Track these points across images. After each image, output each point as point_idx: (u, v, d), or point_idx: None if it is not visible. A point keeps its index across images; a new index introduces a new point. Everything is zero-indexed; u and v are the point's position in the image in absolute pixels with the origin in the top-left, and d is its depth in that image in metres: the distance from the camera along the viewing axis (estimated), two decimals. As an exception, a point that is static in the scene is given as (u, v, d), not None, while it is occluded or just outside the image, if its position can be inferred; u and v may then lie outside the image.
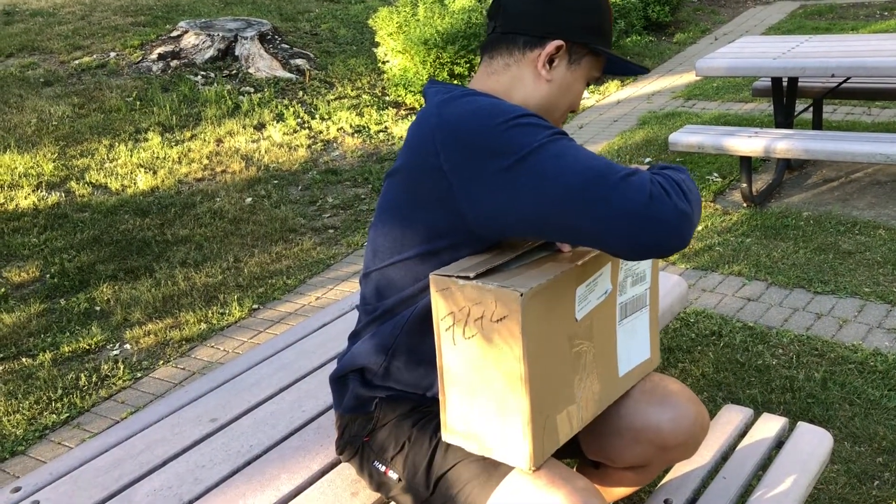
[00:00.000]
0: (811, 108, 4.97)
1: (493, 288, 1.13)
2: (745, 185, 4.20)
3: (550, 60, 1.36)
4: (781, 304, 3.31)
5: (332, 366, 1.95)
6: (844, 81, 4.36)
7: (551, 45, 1.34)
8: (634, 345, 1.39)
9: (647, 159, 5.14)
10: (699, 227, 4.09)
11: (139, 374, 3.35)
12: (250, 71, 7.37)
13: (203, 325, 3.69)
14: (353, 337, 1.48)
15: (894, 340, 2.97)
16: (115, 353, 3.55)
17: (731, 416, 1.92)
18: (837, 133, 3.99)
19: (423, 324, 1.33)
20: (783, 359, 2.92)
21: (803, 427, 1.85)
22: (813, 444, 1.80)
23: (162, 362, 3.44)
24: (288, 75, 7.37)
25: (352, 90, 7.21)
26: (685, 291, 2.29)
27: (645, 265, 1.37)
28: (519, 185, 1.17)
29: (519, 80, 1.37)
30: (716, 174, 4.76)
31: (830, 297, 3.31)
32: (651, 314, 1.43)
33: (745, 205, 4.29)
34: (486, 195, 1.20)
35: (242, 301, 3.88)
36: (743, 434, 1.89)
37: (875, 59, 3.83)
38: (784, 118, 4.49)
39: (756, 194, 4.28)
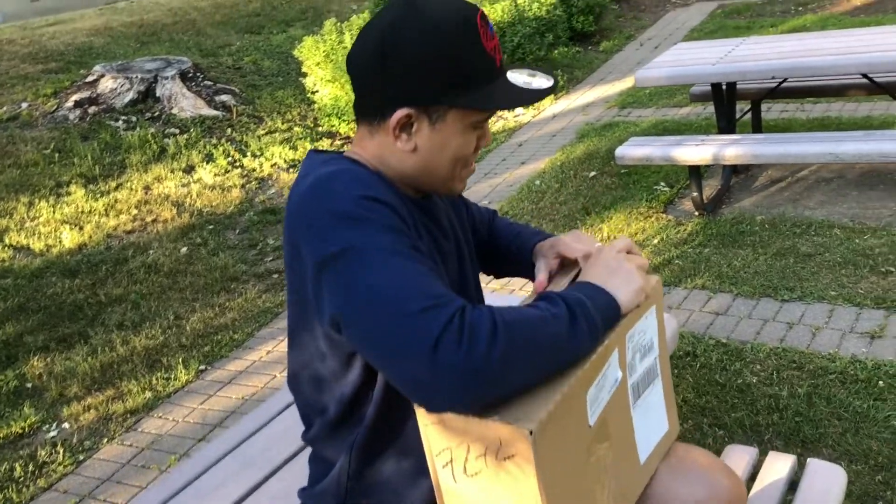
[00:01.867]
0: (750, 106, 4.97)
1: (495, 424, 0.97)
2: (696, 193, 4.14)
3: (404, 129, 1.18)
4: (751, 316, 3.23)
5: (308, 453, 1.75)
6: (783, 82, 4.35)
7: (395, 118, 1.16)
8: (652, 422, 1.24)
9: (592, 173, 5.06)
10: (655, 241, 4.01)
11: (82, 457, 3.08)
12: (174, 111, 7.08)
13: (148, 394, 3.43)
14: (307, 441, 1.32)
15: (869, 344, 2.91)
16: (52, 434, 3.26)
17: (737, 459, 1.79)
18: (783, 135, 3.97)
19: (378, 442, 1.21)
20: (763, 375, 2.83)
21: (815, 465, 1.73)
22: (828, 482, 1.69)
23: (106, 440, 3.17)
24: (214, 113, 7.11)
25: (282, 123, 6.99)
26: (676, 329, 2.17)
27: (651, 331, 1.22)
28: (328, 284, 1.07)
29: (386, 147, 1.21)
30: (663, 184, 4.71)
31: (798, 304, 3.25)
32: (664, 381, 1.28)
33: (697, 213, 4.23)
34: (313, 287, 1.11)
35: (188, 363, 3.63)
36: (752, 477, 1.77)
37: (812, 58, 3.82)
38: (726, 123, 4.46)
39: (707, 202, 4.22)
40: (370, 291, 1.01)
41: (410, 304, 0.99)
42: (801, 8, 9.09)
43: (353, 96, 6.46)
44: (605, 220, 4.36)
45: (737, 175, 4.66)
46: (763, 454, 2.15)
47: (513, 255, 1.49)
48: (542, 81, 1.21)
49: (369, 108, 1.20)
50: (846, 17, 8.29)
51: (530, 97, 1.17)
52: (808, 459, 1.75)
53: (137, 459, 3.02)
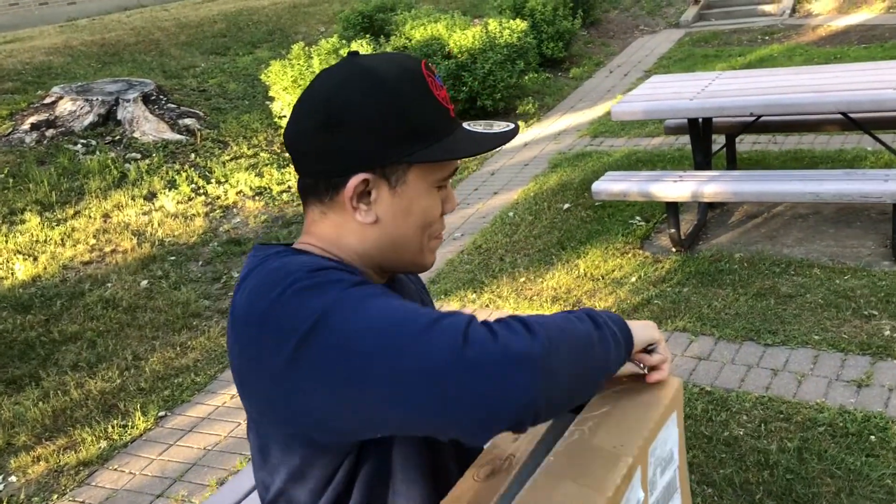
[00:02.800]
0: (725, 140, 4.92)
1: None
2: (673, 230, 4.06)
3: (362, 198, 1.06)
4: (734, 362, 3.14)
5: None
6: (759, 118, 4.31)
7: (350, 186, 1.04)
8: None
9: (566, 205, 4.98)
10: (633, 279, 3.92)
11: (29, 515, 2.88)
12: (135, 135, 6.87)
13: (103, 443, 3.23)
14: None
15: (856, 394, 2.84)
16: (-2, 489, 3.05)
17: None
18: (762, 173, 3.91)
19: None
20: (750, 427, 2.73)
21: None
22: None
23: (56, 496, 2.97)
24: (177, 137, 6.91)
25: (248, 148, 6.81)
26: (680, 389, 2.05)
27: (672, 441, 1.09)
28: (310, 373, 0.91)
29: (342, 227, 1.08)
30: (638, 217, 4.63)
31: (782, 350, 3.17)
32: (683, 497, 1.16)
33: (674, 250, 4.15)
34: (288, 395, 0.94)
35: (146, 408, 3.44)
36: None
37: (791, 95, 3.77)
38: (703, 157, 4.40)
39: (684, 237, 4.15)
40: (362, 339, 0.88)
41: (413, 323, 0.88)
42: (767, 37, 9.17)
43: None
44: (582, 255, 4.26)
45: (712, 210, 4.61)
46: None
47: None
48: (502, 128, 1.11)
49: (319, 185, 1.06)
50: (812, 47, 8.37)
51: (493, 142, 1.07)
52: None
53: (90, 518, 2.83)
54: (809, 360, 3.07)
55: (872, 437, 2.58)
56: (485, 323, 0.90)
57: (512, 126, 1.11)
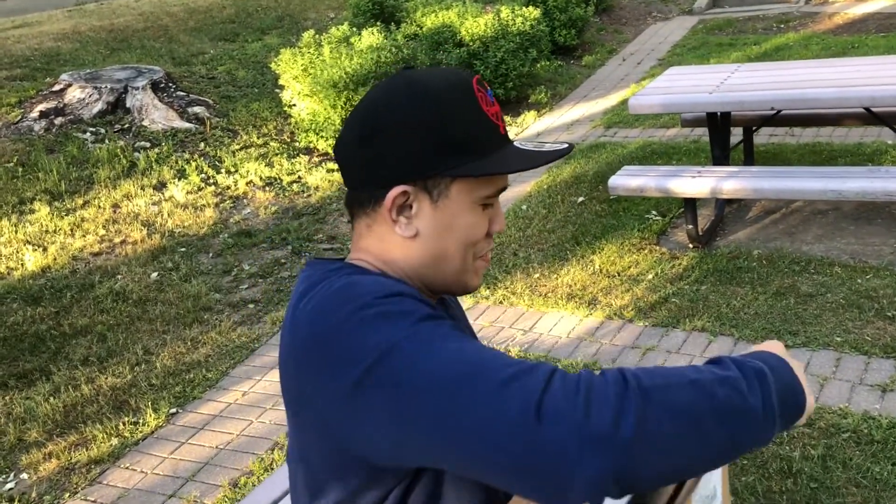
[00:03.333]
0: (743, 135, 4.85)
1: None
2: (691, 226, 4.00)
3: (402, 211, 1.03)
4: (754, 364, 3.08)
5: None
6: (779, 112, 4.23)
7: (390, 198, 1.01)
8: None
9: (581, 199, 4.91)
10: (650, 276, 3.86)
11: (41, 515, 2.85)
12: (144, 123, 6.82)
13: (114, 441, 3.21)
14: None
15: (881, 399, 2.78)
16: (9, 486, 3.02)
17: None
18: (782, 169, 3.84)
19: None
20: (772, 433, 2.68)
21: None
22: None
23: (68, 495, 2.94)
24: (186, 125, 6.85)
25: (258, 137, 6.76)
26: None
27: (715, 478, 1.04)
28: (373, 403, 0.87)
29: (386, 241, 1.05)
30: (654, 212, 4.56)
31: (803, 351, 3.11)
32: None
33: (691, 246, 4.09)
34: (349, 420, 0.89)
35: (158, 405, 3.40)
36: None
37: (814, 90, 3.69)
38: (721, 151, 4.33)
39: (701, 233, 4.09)
40: (432, 381, 0.83)
41: (487, 378, 0.81)
42: (782, 25, 9.04)
43: (331, 112, 6.28)
44: (597, 250, 4.21)
45: (729, 205, 4.54)
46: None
47: None
48: (554, 146, 1.07)
49: (363, 197, 1.06)
50: (829, 35, 8.25)
51: (544, 158, 1.03)
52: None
53: (102, 518, 2.80)
54: (832, 363, 3.01)
55: (898, 444, 2.53)
56: (565, 380, 0.80)
57: (566, 145, 1.07)
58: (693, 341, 3.30)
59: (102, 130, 6.70)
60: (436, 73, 1.04)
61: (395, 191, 1.01)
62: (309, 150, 6.51)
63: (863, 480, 2.41)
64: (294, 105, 6.49)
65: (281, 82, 6.54)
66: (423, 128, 0.99)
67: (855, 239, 3.93)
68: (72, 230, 5.27)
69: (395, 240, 1.04)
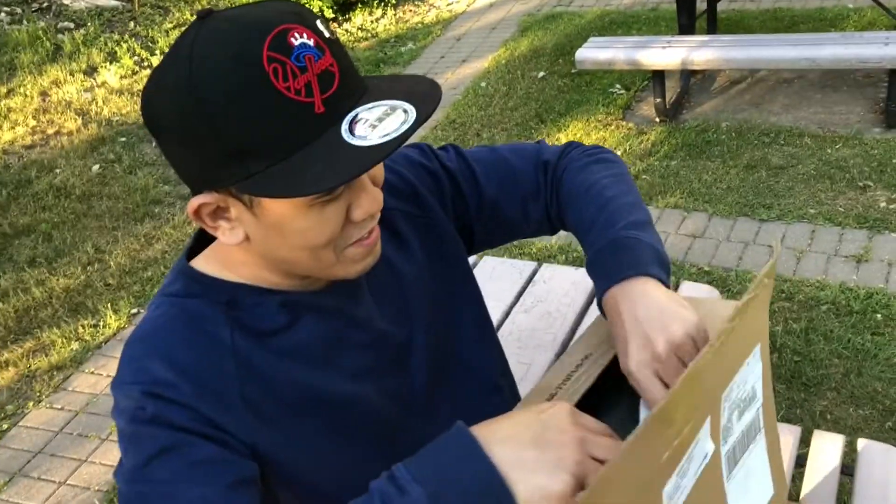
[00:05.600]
0: (706, 4, 4.68)
1: None
2: (658, 99, 3.89)
3: (220, 215, 0.80)
4: (730, 239, 3.07)
5: None
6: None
7: (189, 211, 0.79)
8: (752, 491, 1.00)
9: (541, 74, 4.74)
10: (618, 153, 3.76)
11: (5, 426, 2.73)
12: (66, 1, 6.29)
13: (75, 345, 3.06)
14: None
15: (856, 270, 2.80)
16: (-33, 398, 2.88)
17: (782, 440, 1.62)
18: (754, 37, 3.73)
19: None
20: (753, 308, 2.68)
21: (872, 448, 1.58)
22: (886, 467, 1.54)
23: (32, 403, 2.82)
24: (112, 3, 6.34)
25: (191, 14, 6.30)
26: (765, 320, 1.95)
27: (754, 378, 0.95)
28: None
29: (220, 242, 0.87)
30: (618, 85, 4.43)
31: (778, 225, 3.10)
32: (768, 432, 1.04)
33: (658, 120, 3.99)
34: None
35: (117, 305, 3.25)
36: (801, 463, 1.60)
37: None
38: (688, 19, 4.17)
39: (668, 107, 3.99)
40: None
41: None
42: None
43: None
44: (562, 128, 4.08)
45: (694, 76, 4.42)
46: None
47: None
48: (396, 119, 0.74)
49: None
50: None
51: (372, 157, 0.72)
52: (860, 440, 1.60)
53: (72, 426, 2.69)
54: (807, 236, 3.01)
55: (878, 315, 2.56)
56: None
57: (409, 121, 0.73)
58: (667, 218, 3.26)
59: (19, 10, 6.16)
60: (224, 36, 0.73)
61: (193, 204, 0.78)
62: (248, 28, 6.12)
63: (844, 351, 2.44)
64: (229, -22, 6.05)
65: (213, -47, 6.06)
66: (192, 136, 0.74)
67: (822, 108, 3.88)
68: (-2, 122, 4.90)
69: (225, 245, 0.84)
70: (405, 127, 0.73)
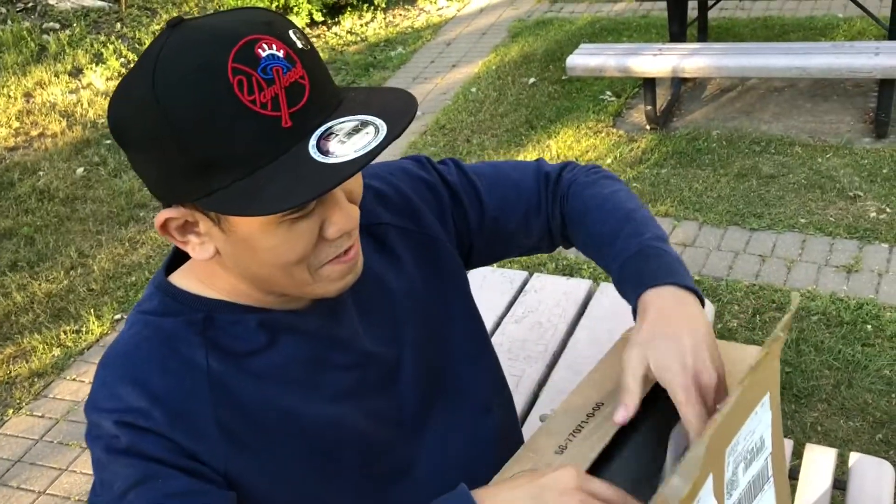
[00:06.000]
0: (697, 12, 4.68)
1: None
2: (650, 107, 3.87)
3: (189, 230, 0.78)
4: (720, 248, 3.05)
5: None
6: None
7: (157, 224, 0.77)
8: None
9: (532, 80, 4.72)
10: (608, 160, 3.75)
11: (-16, 433, 2.67)
12: (51, 2, 6.22)
13: (56, 351, 3.01)
14: None
15: (846, 280, 2.79)
16: (-55, 404, 2.82)
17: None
18: (744, 45, 3.72)
19: None
20: (743, 318, 2.66)
21: (864, 462, 1.56)
22: (878, 481, 1.52)
23: (11, 411, 2.76)
24: (99, 3, 6.28)
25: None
26: (712, 312, 1.94)
27: (762, 428, 0.91)
28: None
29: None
30: (609, 92, 4.41)
31: (768, 234, 3.09)
32: (777, 482, 1.00)
33: (649, 128, 3.98)
34: None
35: (100, 311, 3.20)
36: (793, 476, 1.58)
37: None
38: (679, 27, 4.16)
39: (658, 115, 3.97)
40: None
41: None
42: None
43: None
44: (552, 135, 4.06)
45: (684, 83, 4.41)
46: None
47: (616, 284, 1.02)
48: (367, 135, 0.71)
49: None
50: None
51: (340, 174, 0.69)
52: (852, 454, 1.58)
53: (53, 434, 2.64)
54: (797, 245, 3.00)
55: (868, 325, 2.54)
56: None
57: (380, 137, 0.70)
58: (657, 227, 3.24)
59: (3, 10, 6.09)
60: (190, 47, 0.70)
61: (160, 218, 0.76)
62: (237, 31, 6.07)
63: (835, 362, 2.42)
64: (217, -20, 6.00)
65: (201, -46, 6.01)
66: (158, 148, 0.71)
67: (812, 117, 3.88)
68: (-19, 123, 4.83)
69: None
70: (374, 143, 0.69)
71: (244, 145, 0.70)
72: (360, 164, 0.69)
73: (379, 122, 0.72)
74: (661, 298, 0.90)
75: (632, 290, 0.94)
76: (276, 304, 0.85)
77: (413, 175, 1.02)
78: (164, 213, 0.76)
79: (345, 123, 0.72)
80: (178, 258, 0.89)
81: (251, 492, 0.81)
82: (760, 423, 0.91)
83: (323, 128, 0.72)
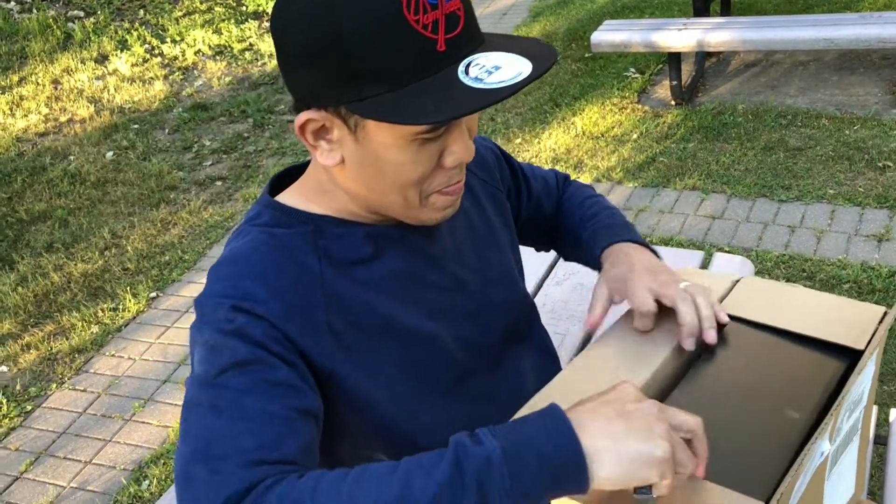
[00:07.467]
0: (719, -14, 4.66)
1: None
2: (675, 82, 3.88)
3: (321, 135, 0.83)
4: (749, 220, 3.06)
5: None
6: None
7: (297, 125, 0.82)
8: (840, 490, 0.98)
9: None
10: (634, 136, 3.76)
11: (28, 407, 2.74)
12: (74, -10, 6.29)
13: (95, 329, 3.07)
14: None
15: (877, 249, 2.79)
16: (-11, 380, 2.89)
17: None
18: (770, 18, 3.71)
19: None
20: (774, 287, 2.67)
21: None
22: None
23: (55, 385, 2.83)
24: (121, -9, 6.34)
25: (201, 2, 6.30)
26: (751, 270, 1.97)
27: (865, 383, 0.94)
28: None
29: (319, 167, 0.89)
30: (632, 69, 4.42)
31: (797, 205, 3.09)
32: (862, 438, 1.02)
33: (674, 103, 3.98)
34: None
35: (136, 289, 3.26)
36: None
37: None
38: (702, 2, 4.15)
39: (683, 90, 3.97)
40: (187, 437, 0.77)
41: (202, 467, 0.75)
42: None
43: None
44: (578, 112, 4.07)
45: (709, 58, 4.41)
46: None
47: (582, 253, 1.14)
48: (513, 69, 0.75)
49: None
50: None
51: (484, 99, 0.73)
52: (892, 411, 1.60)
53: (95, 407, 2.70)
54: (826, 216, 3.00)
55: (901, 293, 2.55)
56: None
57: (527, 72, 0.74)
58: (685, 200, 3.25)
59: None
60: None
61: (301, 118, 0.81)
62: (258, 15, 6.10)
63: (869, 329, 2.43)
64: (239, -35, 6.04)
65: (222, -60, 6.05)
66: (314, 47, 0.76)
67: (839, 90, 3.86)
68: (11, 109, 4.91)
69: (323, 169, 0.87)
70: (520, 77, 0.74)
71: (402, 60, 0.75)
72: (506, 93, 0.73)
73: (524, 60, 0.76)
74: (631, 248, 1.05)
75: (599, 241, 1.08)
76: (379, 221, 0.91)
77: (486, 144, 1.11)
78: (306, 114, 0.81)
79: (490, 56, 0.77)
80: (277, 187, 0.94)
81: (351, 394, 0.86)
82: (865, 378, 0.94)
83: (471, 58, 0.77)
